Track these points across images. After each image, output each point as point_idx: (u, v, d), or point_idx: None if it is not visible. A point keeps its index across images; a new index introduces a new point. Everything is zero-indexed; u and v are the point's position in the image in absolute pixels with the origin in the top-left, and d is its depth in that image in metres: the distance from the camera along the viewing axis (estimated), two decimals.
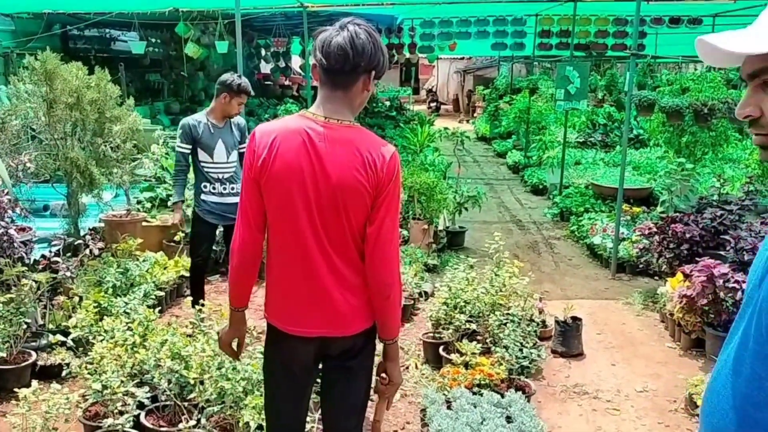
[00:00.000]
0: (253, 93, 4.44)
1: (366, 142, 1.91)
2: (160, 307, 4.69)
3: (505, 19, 11.61)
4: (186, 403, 3.07)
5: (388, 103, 19.06)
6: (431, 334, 4.41)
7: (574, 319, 4.50)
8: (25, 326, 3.92)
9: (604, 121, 13.14)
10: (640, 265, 5.98)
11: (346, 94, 1.92)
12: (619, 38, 11.58)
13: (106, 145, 5.09)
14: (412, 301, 5.20)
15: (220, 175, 4.32)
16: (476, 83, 23.33)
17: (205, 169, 4.33)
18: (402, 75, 29.33)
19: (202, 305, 3.54)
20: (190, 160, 4.36)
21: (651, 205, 7.54)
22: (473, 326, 4.20)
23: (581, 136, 12.51)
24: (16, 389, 3.21)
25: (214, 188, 4.33)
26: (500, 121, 15.53)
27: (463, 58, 24.98)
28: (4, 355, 3.67)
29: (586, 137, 12.53)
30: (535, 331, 4.23)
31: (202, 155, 4.31)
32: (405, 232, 6.80)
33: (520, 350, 3.86)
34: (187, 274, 5.03)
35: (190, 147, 4.31)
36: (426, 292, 5.45)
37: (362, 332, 2.03)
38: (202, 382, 2.99)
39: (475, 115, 21.54)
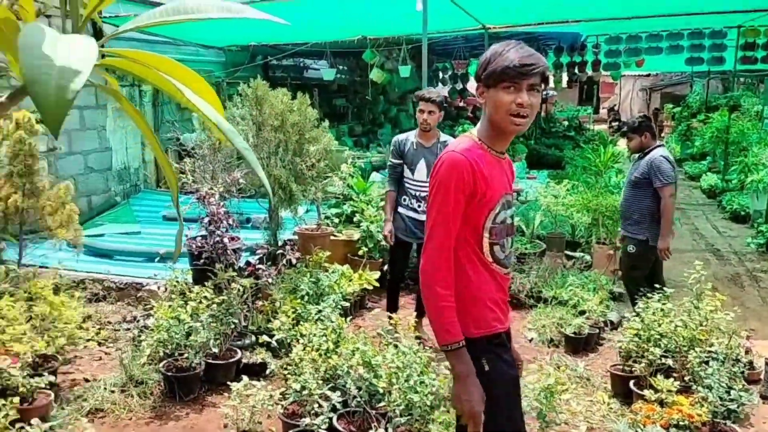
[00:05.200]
0: (434, 99, 4.49)
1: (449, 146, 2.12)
2: (344, 317, 4.98)
3: (701, 33, 10.76)
4: (375, 411, 3.19)
5: (566, 123, 18.48)
6: (620, 367, 4.16)
7: None
8: (232, 326, 4.34)
9: None
10: None
11: (484, 107, 2.07)
12: None
13: (303, 164, 5.50)
14: (597, 330, 4.95)
15: (418, 193, 4.59)
16: (664, 101, 21.81)
17: (406, 184, 4.67)
18: (582, 94, 28.27)
19: (391, 317, 3.67)
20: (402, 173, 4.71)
21: None
22: (668, 362, 3.89)
23: None
24: (225, 383, 3.57)
25: (410, 203, 4.63)
26: (693, 141, 14.36)
27: (648, 75, 23.52)
28: (216, 351, 4.08)
29: None
30: (741, 373, 3.82)
31: (405, 170, 4.65)
32: (588, 257, 6.51)
33: (727, 392, 3.51)
34: (370, 288, 5.36)
35: (399, 161, 4.67)
36: (612, 321, 5.16)
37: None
38: (390, 392, 3.10)
39: (662, 135, 20.11)
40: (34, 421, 2.71)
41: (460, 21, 8.86)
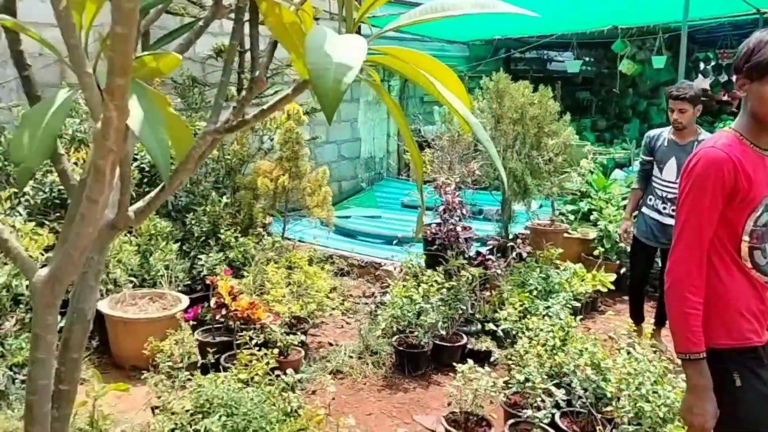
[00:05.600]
0: (683, 95, 4.10)
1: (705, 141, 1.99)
2: (573, 316, 4.84)
3: None
4: (600, 416, 3.09)
5: None
6: None
7: None
8: (460, 312, 4.50)
9: None
10: None
11: (745, 100, 1.92)
12: None
13: (540, 158, 5.45)
14: None
15: (665, 193, 4.27)
16: None
17: (654, 183, 4.39)
18: None
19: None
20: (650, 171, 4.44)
21: None
22: None
23: None
24: (450, 364, 3.73)
25: (655, 204, 4.34)
26: None
27: None
28: (444, 333, 4.28)
29: None
30: None
31: (654, 168, 4.38)
32: None
33: None
34: (604, 290, 5.17)
35: (649, 158, 4.42)
36: None
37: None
38: (619, 398, 2.97)
39: None
40: (289, 371, 3.14)
41: (729, 5, 7.95)
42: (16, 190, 4.33)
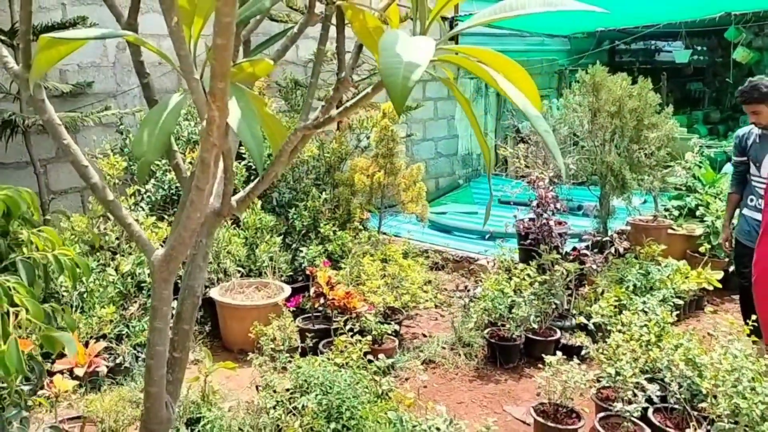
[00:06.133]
0: (751, 98, 3.94)
1: None
2: (677, 315, 4.68)
3: None
4: (696, 412, 3.02)
5: None
6: None
7: None
8: (554, 306, 4.49)
9: None
10: None
11: None
12: None
13: (640, 152, 5.30)
14: None
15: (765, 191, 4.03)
16: None
17: (752, 182, 4.16)
18: None
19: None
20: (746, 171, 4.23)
21: None
22: None
23: None
24: (542, 358, 3.74)
25: (757, 204, 4.09)
26: None
27: None
28: (536, 327, 4.29)
29: None
30: None
31: (751, 167, 4.16)
32: None
33: None
34: (710, 288, 4.95)
35: (742, 158, 4.22)
36: None
37: None
38: (715, 396, 2.89)
39: None
40: (381, 356, 3.30)
41: None
42: (139, 188, 4.80)
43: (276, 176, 1.83)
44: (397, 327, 4.20)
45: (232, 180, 1.72)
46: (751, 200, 4.16)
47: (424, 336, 4.71)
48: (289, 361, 3.35)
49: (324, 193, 5.32)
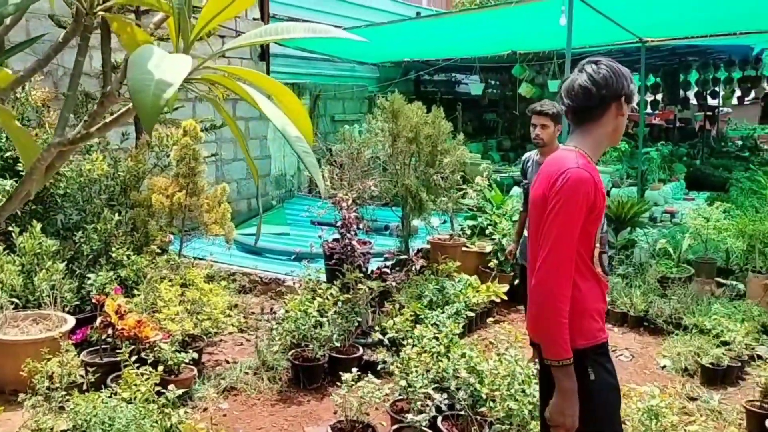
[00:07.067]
0: (546, 111, 4.15)
1: (559, 161, 2.11)
2: (468, 327, 5.04)
3: None
4: (478, 417, 3.25)
5: (740, 143, 16.91)
6: (758, 403, 3.82)
7: None
8: (357, 324, 4.60)
9: None
10: None
11: (597, 125, 2.15)
12: None
13: (436, 175, 5.67)
14: (740, 363, 4.57)
15: None
16: None
17: None
18: (763, 111, 25.61)
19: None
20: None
21: None
22: None
23: None
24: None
25: None
26: None
27: None
28: (339, 345, 4.36)
29: None
30: None
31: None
32: (741, 286, 5.99)
33: None
34: (498, 300, 5.40)
35: (526, 181, 4.51)
36: (759, 356, 4.72)
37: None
38: (493, 399, 3.14)
39: None
40: (171, 387, 3.12)
41: (615, 34, 8.54)
42: None
43: (29, 195, 1.66)
44: (196, 355, 4.02)
45: None
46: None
47: (228, 362, 4.56)
48: (68, 400, 3.05)
49: (118, 214, 4.96)
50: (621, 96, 2.13)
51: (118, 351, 3.76)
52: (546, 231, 2.05)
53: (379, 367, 3.96)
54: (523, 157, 4.72)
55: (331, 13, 10.64)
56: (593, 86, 2.10)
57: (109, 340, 3.81)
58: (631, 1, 6.95)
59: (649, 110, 14.96)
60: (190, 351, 3.97)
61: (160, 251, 4.89)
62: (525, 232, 4.53)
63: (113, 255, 4.62)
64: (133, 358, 3.42)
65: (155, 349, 3.74)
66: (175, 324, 4.06)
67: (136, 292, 4.42)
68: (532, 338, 2.29)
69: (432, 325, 4.19)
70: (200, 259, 5.59)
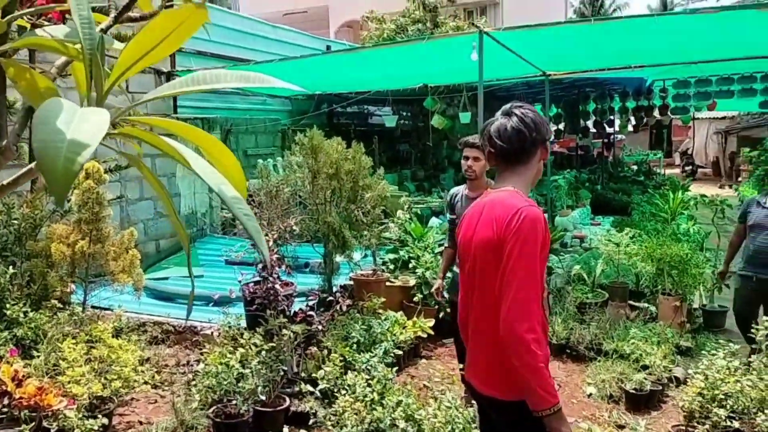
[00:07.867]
0: (479, 144, 4.02)
1: (506, 201, 2.08)
2: (397, 366, 4.91)
3: None
4: None
5: (635, 168, 18.00)
6: (683, 428, 3.92)
7: None
8: (282, 373, 4.36)
9: None
10: None
11: (526, 167, 2.18)
12: None
13: (358, 211, 5.57)
14: (661, 387, 4.70)
15: None
16: (740, 144, 20.91)
17: None
18: (652, 138, 27.59)
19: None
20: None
21: None
22: (736, 424, 3.64)
23: None
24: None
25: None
26: None
27: (724, 118, 22.67)
28: (264, 398, 4.11)
29: None
30: None
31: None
32: (653, 308, 6.24)
33: None
34: (424, 335, 5.31)
35: (453, 216, 4.41)
36: (677, 378, 4.88)
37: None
38: None
39: (739, 179, 19.23)
40: None
41: (521, 68, 8.86)
42: None
43: None
44: (106, 420, 3.66)
45: None
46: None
47: (141, 423, 4.20)
48: None
49: (12, 266, 4.50)
50: (546, 139, 2.19)
51: (17, 421, 3.36)
52: (509, 275, 1.96)
53: (311, 421, 3.75)
54: (450, 191, 4.66)
55: (241, 46, 10.44)
56: (525, 129, 2.13)
57: (5, 411, 3.39)
58: (536, 39, 7.22)
59: (552, 138, 15.65)
60: (99, 416, 3.61)
61: (61, 305, 4.46)
62: (455, 267, 4.46)
63: (8, 312, 4.17)
64: (35, 430, 3.06)
65: (59, 417, 3.36)
66: (81, 387, 3.68)
67: (35, 352, 3.99)
68: (483, 388, 2.19)
69: (363, 370, 4.03)
70: (107, 309, 5.18)
